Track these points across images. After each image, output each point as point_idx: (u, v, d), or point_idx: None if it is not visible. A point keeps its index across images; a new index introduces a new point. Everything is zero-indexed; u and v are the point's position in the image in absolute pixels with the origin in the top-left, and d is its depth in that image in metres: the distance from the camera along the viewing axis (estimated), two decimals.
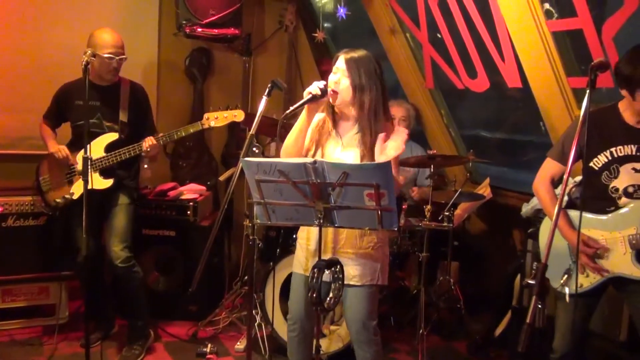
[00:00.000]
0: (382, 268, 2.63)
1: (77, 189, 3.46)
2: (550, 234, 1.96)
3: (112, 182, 3.49)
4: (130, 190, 3.66)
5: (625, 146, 2.49)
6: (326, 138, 2.62)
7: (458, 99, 4.61)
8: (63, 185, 3.54)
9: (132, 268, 3.55)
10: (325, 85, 2.52)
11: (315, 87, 2.50)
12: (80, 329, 3.75)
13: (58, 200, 3.49)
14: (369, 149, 2.52)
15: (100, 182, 3.45)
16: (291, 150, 2.60)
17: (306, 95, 2.50)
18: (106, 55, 3.40)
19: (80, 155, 3.44)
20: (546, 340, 2.70)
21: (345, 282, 2.50)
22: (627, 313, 3.13)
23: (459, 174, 4.53)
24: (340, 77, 2.54)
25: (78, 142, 3.51)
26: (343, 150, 2.59)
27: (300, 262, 2.69)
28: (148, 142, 3.48)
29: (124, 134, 3.54)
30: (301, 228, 2.74)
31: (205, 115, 3.53)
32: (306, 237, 2.67)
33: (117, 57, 3.45)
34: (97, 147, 3.45)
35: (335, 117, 2.64)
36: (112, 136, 3.51)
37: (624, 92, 2.46)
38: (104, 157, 3.46)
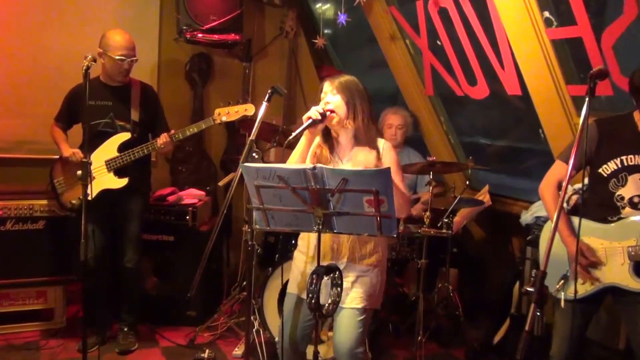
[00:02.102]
0: (378, 293, 2.61)
1: (93, 190, 3.47)
2: (549, 241, 1.96)
3: (127, 181, 3.53)
4: (144, 195, 3.77)
5: (637, 156, 2.49)
6: (328, 163, 2.60)
7: (457, 106, 4.61)
8: (78, 187, 3.54)
9: (139, 268, 3.75)
10: (324, 110, 2.52)
11: (314, 112, 2.49)
12: (78, 333, 3.74)
13: (74, 201, 3.54)
14: (370, 162, 2.54)
15: (115, 182, 3.52)
16: None
17: (306, 121, 2.49)
18: (118, 57, 3.43)
19: (94, 155, 3.48)
20: (544, 348, 2.70)
21: (340, 304, 2.46)
22: None
23: (458, 181, 4.54)
24: (329, 97, 2.56)
25: (91, 142, 3.51)
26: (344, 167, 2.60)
27: (296, 281, 2.65)
28: (162, 138, 3.53)
29: (136, 133, 3.58)
30: (298, 248, 2.70)
31: (217, 111, 3.54)
32: (305, 251, 2.62)
33: (129, 59, 3.49)
34: (111, 147, 3.51)
35: (332, 142, 2.65)
36: (125, 136, 3.55)
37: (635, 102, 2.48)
38: (117, 156, 3.51)
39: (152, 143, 3.54)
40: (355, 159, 2.57)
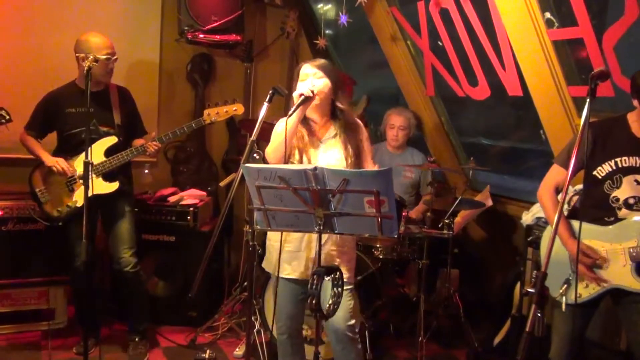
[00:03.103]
0: (353, 266, 2.80)
1: (80, 197, 3.43)
2: (550, 243, 1.96)
3: (117, 185, 3.49)
4: (129, 196, 3.69)
5: (631, 157, 2.50)
6: (308, 145, 2.70)
7: (459, 107, 4.61)
8: (64, 195, 3.51)
9: (139, 272, 3.62)
10: (313, 92, 2.59)
11: (305, 89, 2.57)
12: (79, 334, 3.75)
13: (60, 209, 3.48)
14: (351, 148, 2.67)
15: (105, 187, 3.47)
16: (278, 153, 2.62)
17: (299, 98, 2.55)
18: (104, 57, 3.39)
19: (78, 162, 3.45)
20: (545, 349, 2.70)
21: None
22: None
23: (459, 181, 4.53)
24: (312, 79, 2.64)
25: (72, 150, 3.50)
26: (325, 153, 2.69)
27: (283, 265, 2.73)
28: (152, 147, 3.50)
29: (122, 136, 3.55)
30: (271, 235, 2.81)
31: (206, 112, 3.56)
32: (280, 239, 2.69)
33: (113, 57, 3.47)
34: (97, 152, 3.43)
35: (309, 125, 2.73)
36: (111, 140, 3.51)
37: (635, 103, 2.48)
38: (105, 161, 3.46)
39: (141, 147, 3.50)
40: (334, 143, 2.70)
